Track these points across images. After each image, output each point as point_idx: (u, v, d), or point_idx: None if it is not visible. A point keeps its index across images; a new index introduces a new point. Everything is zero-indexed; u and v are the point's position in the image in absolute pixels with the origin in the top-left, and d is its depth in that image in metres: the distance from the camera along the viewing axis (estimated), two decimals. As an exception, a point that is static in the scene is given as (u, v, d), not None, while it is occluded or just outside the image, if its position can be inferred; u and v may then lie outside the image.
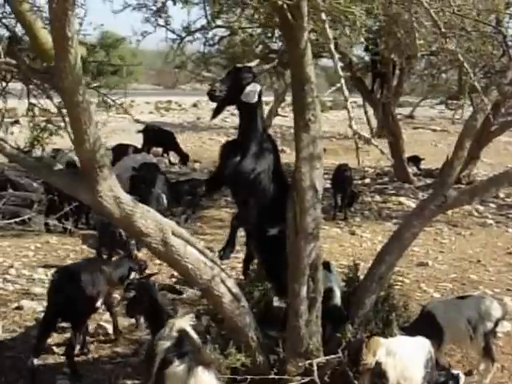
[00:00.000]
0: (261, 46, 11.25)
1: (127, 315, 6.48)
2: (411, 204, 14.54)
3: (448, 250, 11.48)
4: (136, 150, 17.47)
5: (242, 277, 7.63)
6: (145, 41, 8.81)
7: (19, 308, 8.03)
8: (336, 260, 10.19)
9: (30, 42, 4.97)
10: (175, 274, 8.61)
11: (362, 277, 6.56)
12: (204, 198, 5.81)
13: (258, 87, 5.48)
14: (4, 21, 5.59)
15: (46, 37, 4.57)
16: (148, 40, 9.01)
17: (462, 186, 14.66)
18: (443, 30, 4.95)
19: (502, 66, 7.18)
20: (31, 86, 6.10)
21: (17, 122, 15.48)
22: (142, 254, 9.11)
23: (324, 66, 18.31)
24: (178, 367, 4.91)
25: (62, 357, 6.75)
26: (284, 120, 24.01)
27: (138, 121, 7.38)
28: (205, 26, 10.86)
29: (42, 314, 6.94)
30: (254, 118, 5.56)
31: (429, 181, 17.27)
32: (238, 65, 5.69)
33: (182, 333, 5.23)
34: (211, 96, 5.41)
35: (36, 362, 6.27)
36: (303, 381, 5.50)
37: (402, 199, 15.31)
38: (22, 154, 4.94)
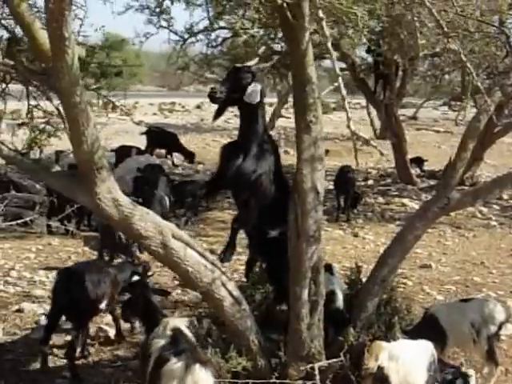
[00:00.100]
0: (263, 47, 11.21)
1: (122, 318, 6.47)
2: (414, 205, 14.49)
3: (451, 251, 11.42)
4: (139, 152, 17.47)
5: (244, 279, 7.61)
6: (148, 42, 8.80)
7: (20, 311, 7.99)
8: (339, 262, 10.15)
9: (29, 42, 4.92)
10: (178, 275, 8.57)
11: (365, 279, 6.52)
12: (203, 200, 5.74)
13: (259, 86, 5.44)
14: (3, 22, 5.55)
15: (44, 37, 4.52)
16: (151, 41, 8.99)
17: (466, 188, 14.64)
18: (446, 29, 4.90)
19: (506, 67, 7.13)
20: (31, 88, 6.08)
21: (24, 124, 15.46)
22: (145, 256, 9.06)
23: (327, 67, 18.24)
24: (175, 364, 4.86)
25: (62, 360, 6.70)
26: (287, 121, 24.00)
27: (138, 123, 7.33)
28: (207, 28, 10.83)
29: (47, 315, 6.99)
30: (255, 119, 5.52)
31: (432, 182, 17.22)
32: (237, 65, 5.64)
33: (177, 331, 5.23)
34: (212, 98, 5.37)
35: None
36: (305, 385, 5.47)
37: (405, 201, 15.26)
38: (19, 156, 4.91)
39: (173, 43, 10.95)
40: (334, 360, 5.59)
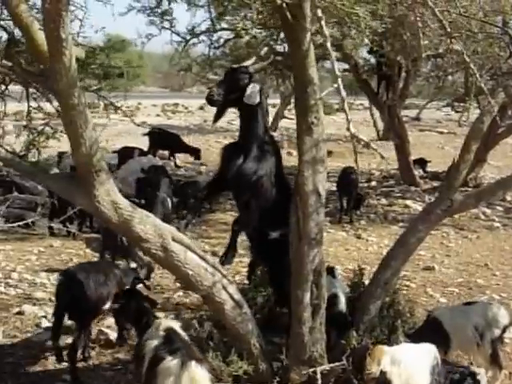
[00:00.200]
0: (266, 49, 11.16)
1: (116, 324, 6.44)
2: (417, 207, 14.44)
3: (454, 253, 11.37)
4: (141, 153, 17.46)
5: (246, 281, 7.57)
6: (150, 43, 8.76)
7: (20, 313, 7.95)
8: (341, 264, 10.11)
9: (27, 43, 4.88)
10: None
11: (367, 281, 6.47)
12: (204, 202, 5.70)
13: (257, 87, 5.40)
14: (2, 23, 5.51)
15: (43, 39, 4.46)
16: (153, 43, 8.95)
17: (469, 189, 14.58)
18: (449, 30, 4.85)
19: (509, 68, 7.09)
20: (31, 89, 6.05)
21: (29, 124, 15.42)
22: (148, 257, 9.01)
23: (330, 68, 18.20)
24: (170, 362, 4.86)
25: (62, 363, 6.65)
26: (290, 122, 23.96)
27: (139, 124, 7.29)
28: (209, 29, 10.79)
29: (52, 314, 6.89)
30: (256, 119, 5.47)
31: (435, 183, 17.15)
32: (234, 65, 5.60)
33: (170, 331, 5.23)
34: (210, 101, 5.32)
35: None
36: (307, 388, 5.42)
37: (409, 202, 15.20)
38: (17, 159, 4.87)
39: (175, 44, 10.90)
40: (336, 364, 5.56)
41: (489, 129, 11.24)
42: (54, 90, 4.49)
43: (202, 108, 35.30)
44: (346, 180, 13.55)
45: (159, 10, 7.69)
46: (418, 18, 5.60)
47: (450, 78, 15.06)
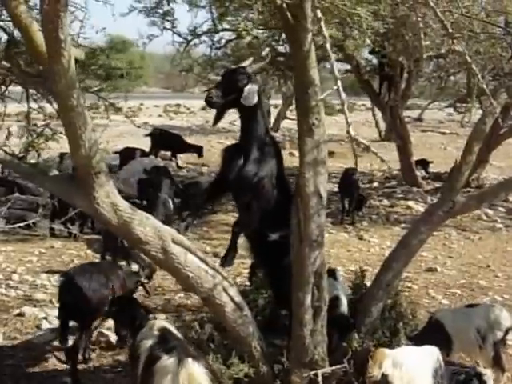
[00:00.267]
0: (268, 49, 11.14)
1: (114, 331, 6.44)
2: (420, 208, 14.41)
3: (457, 254, 11.34)
4: (143, 154, 17.45)
5: (247, 283, 7.53)
6: (152, 44, 8.75)
7: (21, 315, 7.93)
8: (343, 265, 10.09)
9: (26, 44, 4.86)
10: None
11: (369, 283, 6.44)
12: (205, 206, 5.67)
13: (255, 87, 5.36)
14: (2, 24, 5.49)
15: (42, 39, 4.44)
16: (155, 43, 8.94)
17: (471, 190, 14.55)
18: (450, 30, 4.81)
19: (511, 68, 7.05)
20: (31, 90, 6.02)
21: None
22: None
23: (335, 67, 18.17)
24: (167, 360, 4.86)
25: (62, 366, 6.63)
26: (292, 123, 23.90)
27: (139, 126, 7.28)
28: (211, 29, 10.77)
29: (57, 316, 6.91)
30: (255, 120, 5.43)
31: (437, 184, 17.11)
32: (232, 66, 5.56)
33: (164, 330, 5.25)
34: (209, 103, 5.28)
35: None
36: (308, 391, 5.39)
37: (411, 203, 15.17)
38: (15, 160, 4.84)
39: (176, 45, 10.89)
40: (338, 367, 5.51)
41: (491, 129, 11.17)
42: (52, 92, 4.46)
43: (204, 109, 35.17)
44: (348, 181, 13.54)
45: (161, 11, 7.67)
46: (419, 19, 5.56)
47: (452, 78, 15.04)
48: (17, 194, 13.12)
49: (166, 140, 19.92)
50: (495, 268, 10.53)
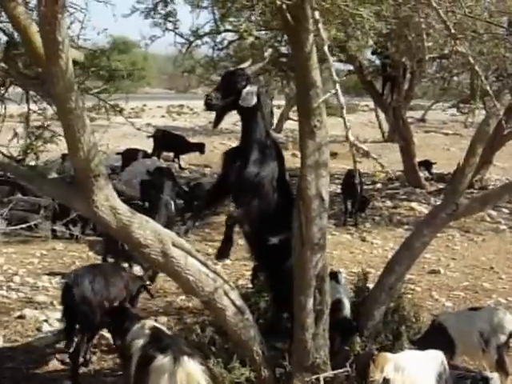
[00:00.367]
0: (270, 50, 11.10)
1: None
2: (423, 209, 14.37)
3: (460, 256, 11.28)
4: (145, 155, 17.41)
5: (250, 285, 7.49)
6: (155, 45, 8.72)
7: (21, 317, 7.90)
8: (346, 267, 10.04)
9: (25, 46, 4.82)
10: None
11: (372, 285, 6.40)
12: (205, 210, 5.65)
13: (254, 88, 5.32)
14: (1, 25, 5.45)
15: (40, 41, 4.40)
16: (158, 44, 8.90)
17: (475, 191, 14.50)
18: (453, 31, 4.76)
19: (515, 69, 7.00)
20: (32, 92, 5.98)
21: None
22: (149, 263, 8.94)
23: (335, 69, 18.13)
24: (163, 360, 4.84)
25: (63, 368, 6.60)
26: (295, 124, 23.75)
27: (138, 128, 7.24)
28: (213, 30, 10.72)
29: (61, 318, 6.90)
30: (255, 121, 5.39)
31: (441, 185, 17.06)
32: (230, 68, 5.53)
33: (155, 329, 5.27)
34: (208, 105, 5.25)
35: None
36: (310, 395, 5.35)
37: (414, 204, 15.11)
38: (14, 163, 4.80)
39: (178, 46, 10.85)
40: (340, 370, 5.48)
41: (495, 130, 11.10)
42: (50, 94, 4.42)
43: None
44: (351, 182, 13.47)
45: (163, 12, 7.63)
46: (422, 19, 5.52)
47: (455, 79, 14.97)
48: (19, 195, 13.09)
49: (168, 141, 19.89)
50: (499, 270, 10.47)
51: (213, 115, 5.51)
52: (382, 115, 23.99)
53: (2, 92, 6.06)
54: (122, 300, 6.85)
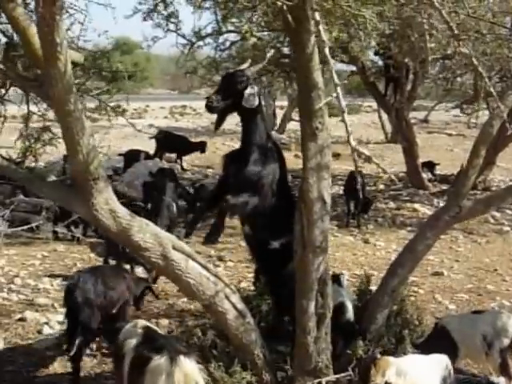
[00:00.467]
0: (272, 51, 11.07)
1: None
2: (426, 211, 14.30)
3: (464, 258, 11.20)
4: (147, 156, 17.36)
5: (252, 287, 7.45)
6: (158, 46, 8.69)
7: (22, 319, 7.85)
8: (349, 269, 9.99)
9: (24, 48, 4.78)
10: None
11: (375, 287, 6.35)
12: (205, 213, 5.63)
13: (255, 89, 5.30)
14: (0, 26, 5.41)
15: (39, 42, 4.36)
16: (161, 45, 8.88)
17: (478, 192, 14.43)
18: (456, 31, 4.72)
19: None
20: (32, 94, 5.95)
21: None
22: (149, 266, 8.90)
23: (337, 70, 18.08)
24: (159, 360, 4.79)
25: (63, 371, 6.55)
26: (298, 125, 23.78)
27: (139, 130, 7.20)
28: (215, 31, 10.68)
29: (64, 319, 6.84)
30: (256, 123, 5.37)
31: (444, 187, 16.99)
32: (230, 70, 5.51)
33: (147, 329, 5.24)
34: (209, 108, 5.24)
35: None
36: (312, 400, 5.31)
37: (417, 206, 15.04)
38: (13, 165, 4.76)
39: (181, 47, 10.81)
40: (342, 375, 5.45)
41: (498, 131, 11.06)
42: (49, 96, 4.38)
43: (209, 110, 35.15)
44: (354, 183, 13.41)
45: (165, 13, 7.60)
46: (425, 20, 5.47)
47: (458, 79, 14.91)
48: (21, 196, 13.05)
49: (170, 142, 19.85)
50: (503, 272, 10.39)
51: (215, 116, 5.49)
52: (384, 116, 23.88)
53: (3, 93, 6.03)
54: (125, 302, 6.82)
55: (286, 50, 11.98)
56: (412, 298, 7.98)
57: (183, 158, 20.27)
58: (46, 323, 7.70)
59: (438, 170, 18.49)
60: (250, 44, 10.77)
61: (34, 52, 4.58)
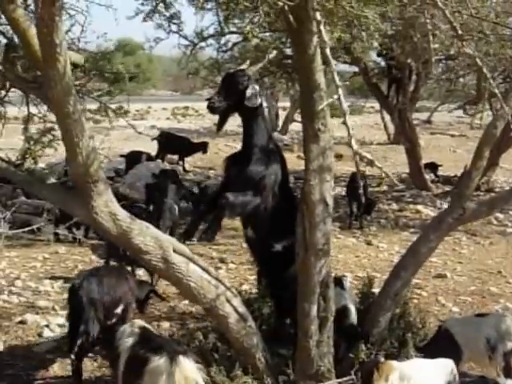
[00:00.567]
0: (275, 52, 11.04)
1: None
2: (429, 212, 14.24)
3: (467, 260, 11.13)
4: (149, 158, 17.33)
5: (254, 290, 7.40)
6: (160, 47, 8.66)
7: (23, 322, 7.79)
8: (351, 271, 9.93)
9: (24, 49, 4.75)
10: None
11: (378, 290, 6.30)
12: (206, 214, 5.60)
13: (256, 88, 5.27)
14: (0, 28, 5.38)
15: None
16: (163, 46, 8.85)
17: (481, 193, 14.36)
18: (460, 32, 4.67)
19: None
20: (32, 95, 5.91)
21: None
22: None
23: (340, 71, 18.04)
24: (159, 361, 4.77)
25: (63, 375, 6.51)
26: (301, 126, 23.76)
27: (140, 132, 7.16)
28: (217, 32, 10.64)
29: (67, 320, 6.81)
30: (257, 124, 5.35)
31: (447, 188, 16.94)
32: (230, 70, 5.50)
33: (143, 329, 5.22)
34: (211, 109, 5.22)
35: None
36: (314, 404, 5.26)
37: (420, 207, 14.97)
38: (12, 168, 4.72)
39: (183, 48, 10.78)
40: (345, 379, 5.41)
41: (502, 132, 11.02)
42: (48, 98, 4.34)
43: (212, 111, 35.14)
44: (356, 185, 13.35)
45: (167, 14, 7.57)
46: (428, 20, 5.43)
47: (461, 80, 14.88)
48: (22, 198, 13.02)
49: (172, 143, 19.81)
50: (506, 274, 10.31)
51: (217, 117, 5.46)
52: (387, 117, 23.85)
53: (3, 95, 5.99)
54: (128, 303, 6.77)
55: (288, 51, 11.94)
56: (415, 301, 7.94)
57: (185, 159, 20.23)
58: (47, 326, 7.64)
59: (441, 171, 18.43)
60: (252, 45, 10.73)
61: (33, 53, 4.54)
